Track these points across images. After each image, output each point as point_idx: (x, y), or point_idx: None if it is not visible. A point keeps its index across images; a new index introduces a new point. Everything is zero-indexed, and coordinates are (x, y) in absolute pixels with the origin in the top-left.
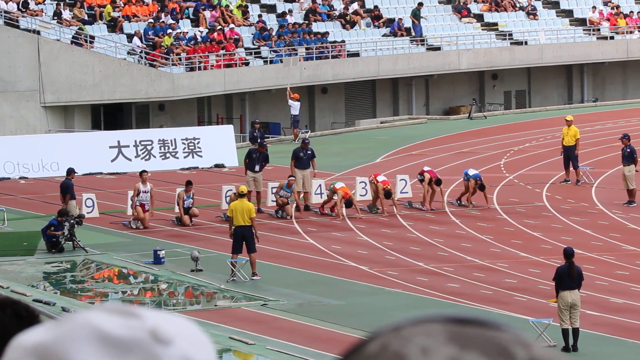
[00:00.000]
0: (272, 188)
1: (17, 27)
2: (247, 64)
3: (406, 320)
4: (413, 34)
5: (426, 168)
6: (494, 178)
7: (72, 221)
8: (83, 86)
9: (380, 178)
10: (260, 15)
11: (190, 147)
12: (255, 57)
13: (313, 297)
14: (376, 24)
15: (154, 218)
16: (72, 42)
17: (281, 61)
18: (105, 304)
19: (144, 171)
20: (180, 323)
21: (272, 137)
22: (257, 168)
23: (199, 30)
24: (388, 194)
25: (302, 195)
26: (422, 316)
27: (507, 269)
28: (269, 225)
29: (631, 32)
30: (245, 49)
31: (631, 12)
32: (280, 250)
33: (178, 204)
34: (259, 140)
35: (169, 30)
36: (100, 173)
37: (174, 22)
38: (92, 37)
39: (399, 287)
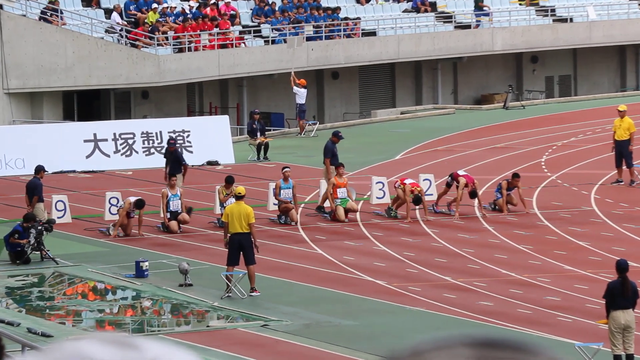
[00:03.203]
0: (272, 189)
1: None
2: (244, 44)
3: (428, 343)
4: (440, 9)
5: (461, 172)
6: (534, 178)
7: (39, 227)
8: (53, 70)
9: (409, 182)
10: None
11: (179, 142)
12: (254, 36)
13: (322, 317)
14: None
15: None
16: (40, 18)
17: (285, 41)
18: (100, 333)
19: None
20: (184, 357)
21: (274, 130)
22: (168, 170)
23: (189, 5)
24: (417, 200)
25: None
26: (446, 338)
27: (548, 285)
28: (270, 233)
29: None
30: (243, 26)
31: None
32: (283, 262)
33: (163, 207)
34: (257, 134)
35: (154, 5)
36: (74, 171)
37: None
38: (64, 12)
39: (422, 305)
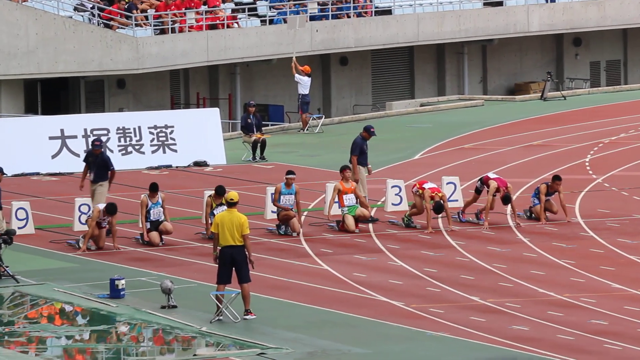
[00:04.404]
0: (271, 194)
1: None
2: (237, 24)
3: None
4: None
5: (492, 175)
6: (577, 181)
7: None
8: (12, 54)
9: (428, 186)
10: None
11: (161, 139)
12: (249, 15)
13: (328, 344)
14: None
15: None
16: None
17: (285, 21)
18: None
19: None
20: None
21: (272, 125)
22: (91, 177)
23: None
24: (439, 208)
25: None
26: None
27: (594, 306)
28: (267, 245)
29: None
30: (236, 3)
31: None
32: (283, 280)
33: (142, 216)
34: (253, 129)
35: None
36: (37, 173)
37: None
38: None
39: (446, 329)
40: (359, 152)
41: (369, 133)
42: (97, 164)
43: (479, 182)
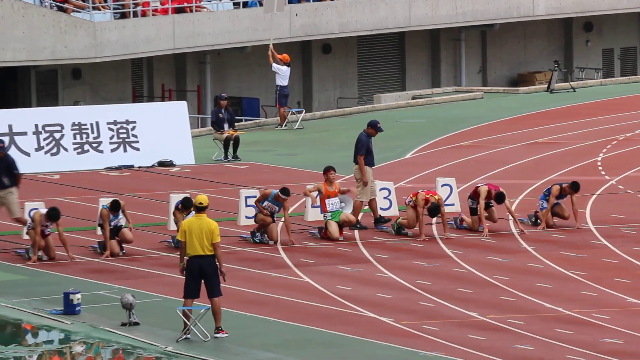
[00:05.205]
0: (245, 198)
1: None
2: (207, 8)
3: None
4: None
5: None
6: (588, 182)
7: None
8: None
9: (422, 192)
10: None
11: (122, 136)
12: None
13: None
14: None
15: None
16: None
17: (260, 4)
18: None
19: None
20: None
21: (246, 120)
22: None
23: None
24: (435, 210)
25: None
26: None
27: (607, 323)
28: (241, 255)
29: None
30: None
31: None
32: (259, 293)
33: (101, 226)
34: (225, 125)
35: None
36: None
37: None
38: None
39: (441, 349)
40: (365, 150)
41: (375, 129)
42: (2, 168)
43: (469, 199)
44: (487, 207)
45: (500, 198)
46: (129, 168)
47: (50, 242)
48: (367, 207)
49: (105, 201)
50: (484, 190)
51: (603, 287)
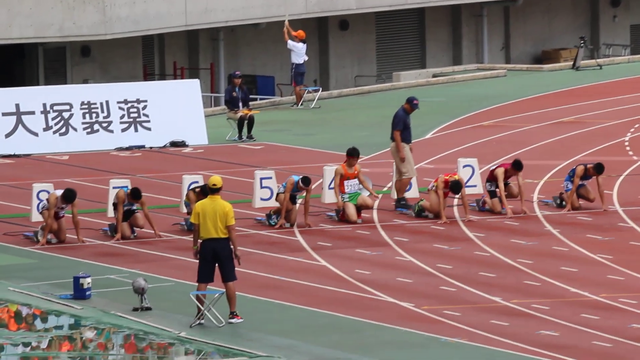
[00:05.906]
0: (260, 179)
1: None
2: None
3: None
4: None
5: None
6: (615, 163)
7: None
8: None
9: (442, 176)
10: None
11: (133, 115)
12: None
13: (326, 351)
14: None
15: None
16: None
17: None
18: None
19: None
20: None
21: (261, 99)
22: None
23: None
24: (457, 186)
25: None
26: None
27: (635, 308)
28: (256, 238)
29: None
30: None
31: None
32: (274, 277)
33: (115, 208)
34: (239, 104)
35: None
36: None
37: None
38: None
39: (463, 335)
40: (402, 126)
41: (412, 106)
42: None
43: (487, 183)
44: (506, 186)
45: (517, 165)
46: (140, 148)
47: (63, 225)
48: (386, 189)
49: (115, 182)
50: (500, 171)
51: (630, 270)
